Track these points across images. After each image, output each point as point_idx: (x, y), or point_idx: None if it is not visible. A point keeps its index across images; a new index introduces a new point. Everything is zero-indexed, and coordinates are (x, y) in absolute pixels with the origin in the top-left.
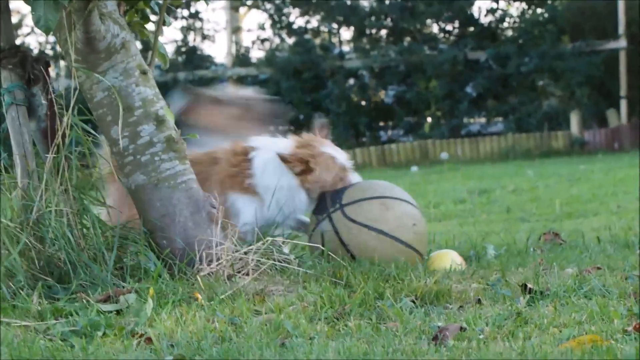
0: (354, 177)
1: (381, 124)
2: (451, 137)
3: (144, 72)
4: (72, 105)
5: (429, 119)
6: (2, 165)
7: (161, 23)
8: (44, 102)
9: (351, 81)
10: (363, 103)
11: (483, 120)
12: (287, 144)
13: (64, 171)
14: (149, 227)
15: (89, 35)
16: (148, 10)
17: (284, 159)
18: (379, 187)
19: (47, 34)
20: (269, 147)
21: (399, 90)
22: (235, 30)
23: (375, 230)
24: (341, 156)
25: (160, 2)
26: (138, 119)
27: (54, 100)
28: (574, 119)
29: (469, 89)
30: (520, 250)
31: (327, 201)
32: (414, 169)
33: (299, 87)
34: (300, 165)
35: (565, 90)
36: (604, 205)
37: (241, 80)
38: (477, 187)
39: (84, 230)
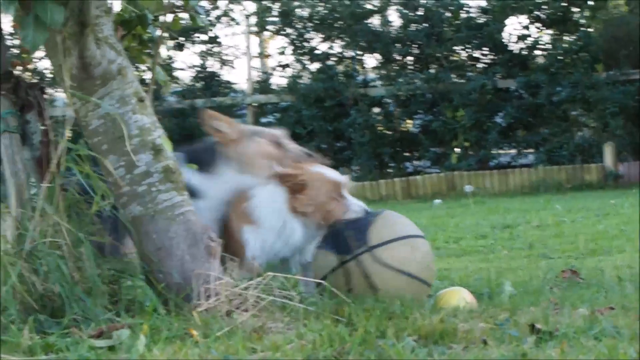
0: (352, 201)
1: (406, 154)
2: (479, 168)
3: (141, 100)
4: (65, 132)
5: (457, 150)
6: None
7: (159, 49)
8: (40, 128)
9: (375, 109)
10: (388, 132)
11: (513, 151)
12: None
13: (59, 202)
14: (145, 260)
15: (84, 60)
16: (146, 36)
17: (279, 175)
18: (399, 224)
19: (33, 51)
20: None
21: (425, 119)
22: (258, 56)
23: (407, 275)
24: (335, 174)
25: (158, 32)
26: (135, 147)
27: (48, 127)
28: (608, 151)
29: (498, 119)
30: (536, 289)
31: (348, 240)
32: (437, 202)
33: (320, 116)
34: (294, 180)
35: (598, 120)
36: (631, 242)
37: (261, 108)
38: (500, 222)
39: (78, 262)
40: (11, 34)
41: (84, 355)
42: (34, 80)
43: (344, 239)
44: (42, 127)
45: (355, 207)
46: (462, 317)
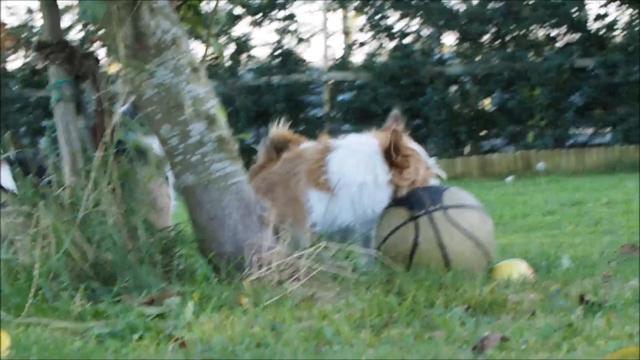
0: (433, 182)
1: (482, 132)
2: (555, 147)
3: (195, 70)
4: (120, 102)
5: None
6: (51, 163)
7: (214, 19)
8: (95, 97)
9: (452, 88)
10: (464, 111)
11: (589, 130)
12: (370, 139)
13: (112, 170)
14: (198, 229)
15: (138, 30)
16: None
17: (388, 151)
18: (470, 197)
19: (94, 23)
20: (349, 144)
21: (501, 98)
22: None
23: (474, 241)
24: (426, 155)
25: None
26: (188, 117)
27: (102, 97)
28: None
29: (575, 98)
30: (592, 263)
31: (423, 198)
32: (509, 179)
33: (396, 94)
34: (402, 160)
35: None
36: None
37: (337, 86)
38: (569, 199)
39: (132, 231)
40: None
41: (133, 322)
42: (89, 50)
43: (418, 197)
44: (96, 97)
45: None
46: (513, 288)
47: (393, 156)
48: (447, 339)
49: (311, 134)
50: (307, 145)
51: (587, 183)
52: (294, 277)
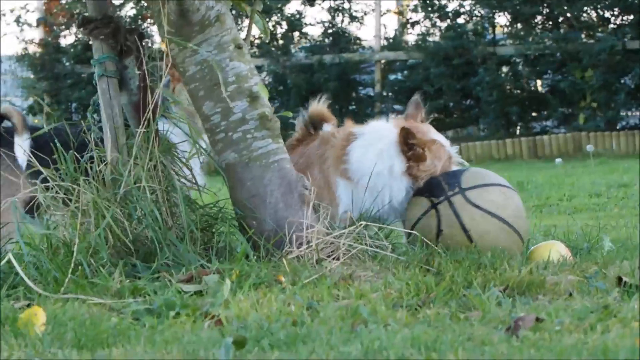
0: (458, 161)
1: (534, 114)
2: (607, 129)
3: (239, 47)
4: (164, 78)
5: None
6: (93, 137)
7: None
8: (137, 73)
9: (504, 68)
10: (516, 91)
11: None
12: (390, 128)
13: (154, 147)
14: (239, 206)
15: (182, 7)
16: None
17: (404, 141)
18: (492, 175)
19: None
20: (370, 133)
21: (553, 79)
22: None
23: (498, 219)
24: (448, 144)
25: None
26: (231, 94)
27: (146, 72)
28: None
29: (627, 80)
30: (634, 245)
31: (441, 184)
32: (558, 160)
33: (449, 74)
34: (418, 152)
35: None
36: None
37: (389, 65)
38: (617, 181)
39: (172, 208)
40: None
41: (170, 299)
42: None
43: (437, 184)
44: (140, 72)
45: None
46: (552, 270)
47: (405, 150)
48: (483, 320)
49: (362, 113)
50: (354, 127)
51: (636, 166)
52: (333, 256)
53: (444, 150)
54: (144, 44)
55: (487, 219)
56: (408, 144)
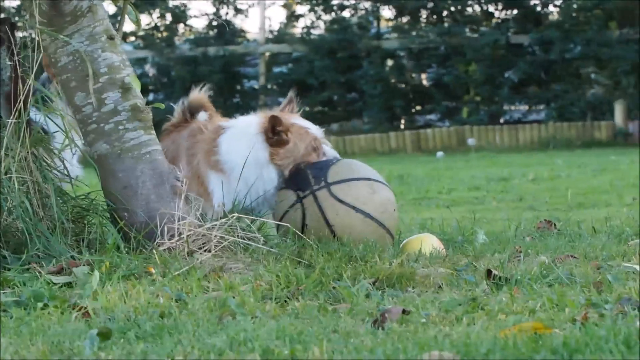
0: (329, 150)
1: (417, 107)
2: (490, 123)
3: (111, 38)
4: (34, 69)
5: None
6: None
7: None
8: (8, 64)
9: (388, 62)
10: (400, 85)
11: (524, 107)
12: (257, 120)
13: (26, 137)
14: (110, 198)
15: None
16: None
17: (264, 127)
18: (362, 168)
19: None
20: (238, 126)
21: (437, 73)
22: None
23: (362, 213)
24: (314, 128)
25: None
26: (103, 85)
27: (17, 63)
28: (619, 109)
29: (510, 75)
30: (507, 238)
31: (309, 177)
32: (440, 154)
33: (333, 67)
34: (280, 138)
35: (610, 78)
36: (620, 198)
37: (274, 58)
38: (497, 175)
39: (44, 200)
40: None
41: (38, 291)
42: (4, 16)
43: (304, 177)
44: (12, 63)
45: (331, 156)
46: (423, 262)
47: (269, 136)
48: (351, 312)
49: (247, 106)
50: (223, 121)
51: (517, 159)
52: (205, 248)
53: (306, 132)
54: (15, 34)
55: (351, 213)
56: (275, 131)
